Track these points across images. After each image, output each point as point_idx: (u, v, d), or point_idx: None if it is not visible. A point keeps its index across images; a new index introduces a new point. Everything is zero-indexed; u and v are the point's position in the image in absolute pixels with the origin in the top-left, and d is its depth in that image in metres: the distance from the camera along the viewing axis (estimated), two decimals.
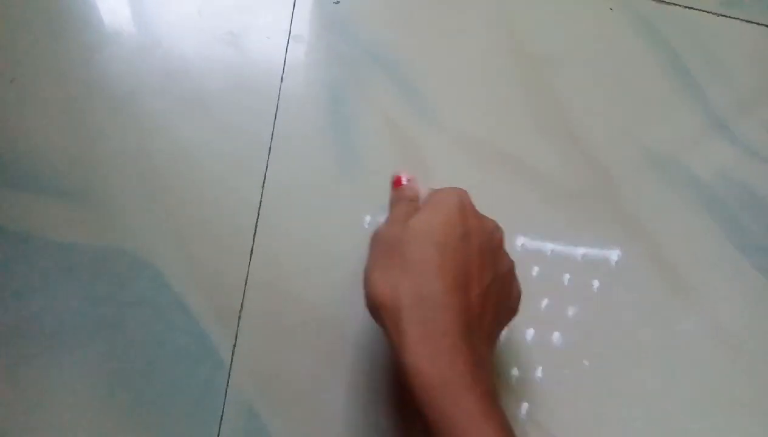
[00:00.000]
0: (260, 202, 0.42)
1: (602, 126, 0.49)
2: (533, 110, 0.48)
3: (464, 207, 0.33)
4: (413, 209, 0.35)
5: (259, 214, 0.42)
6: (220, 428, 0.38)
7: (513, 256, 0.44)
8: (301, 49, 0.47)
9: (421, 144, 0.46)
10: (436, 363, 0.28)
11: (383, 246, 0.33)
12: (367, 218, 0.43)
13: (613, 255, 0.45)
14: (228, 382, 0.39)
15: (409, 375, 0.28)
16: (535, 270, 0.44)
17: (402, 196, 0.38)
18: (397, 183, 0.39)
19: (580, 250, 0.45)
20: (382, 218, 0.43)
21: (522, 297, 0.43)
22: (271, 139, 0.44)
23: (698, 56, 0.51)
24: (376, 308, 0.31)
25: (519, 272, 0.44)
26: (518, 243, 0.45)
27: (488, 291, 0.32)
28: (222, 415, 0.38)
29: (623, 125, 0.49)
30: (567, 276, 0.45)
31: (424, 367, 0.28)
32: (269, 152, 0.44)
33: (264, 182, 0.43)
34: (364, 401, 0.40)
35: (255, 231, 0.42)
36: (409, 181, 0.39)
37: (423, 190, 0.38)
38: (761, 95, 0.52)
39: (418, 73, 0.47)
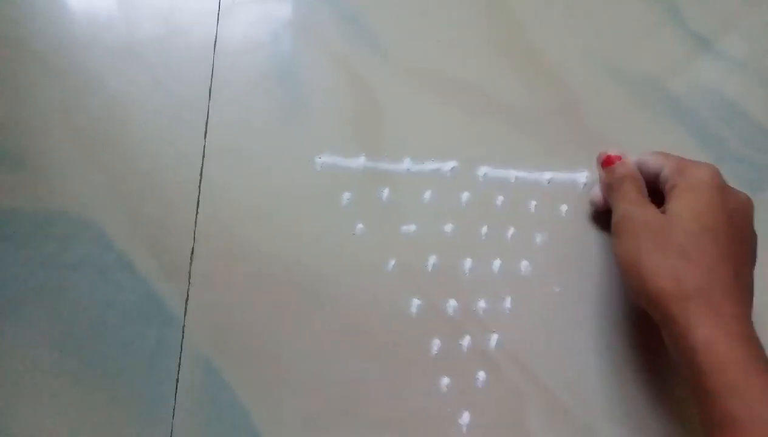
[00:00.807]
0: (203, 151, 0.40)
1: (566, 47, 0.46)
2: (490, 34, 0.46)
3: (721, 187, 0.34)
4: (643, 188, 0.36)
5: (203, 164, 0.40)
6: (177, 384, 0.37)
7: (475, 187, 0.43)
8: None
9: (371, 78, 0.43)
10: (733, 347, 0.30)
11: (646, 231, 0.33)
12: (318, 159, 0.41)
13: (581, 177, 0.43)
14: (182, 338, 0.37)
15: (706, 359, 0.30)
16: (500, 199, 0.42)
17: (623, 175, 0.37)
18: (607, 161, 0.39)
19: (546, 175, 0.43)
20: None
21: (488, 227, 0.42)
22: (210, 85, 0.42)
23: None
24: (655, 296, 0.32)
25: (482, 204, 0.42)
26: (480, 173, 0.43)
27: (751, 270, 0.34)
28: (178, 371, 0.37)
29: (589, 45, 0.46)
30: (533, 203, 0.43)
31: (721, 350, 0.29)
32: (209, 99, 0.41)
33: (206, 131, 0.41)
34: (326, 348, 0.38)
35: (200, 182, 0.40)
36: (620, 156, 0.38)
37: (644, 159, 0.38)
38: (740, 10, 0.49)
39: (363, 4, 0.45)
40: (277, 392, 0.37)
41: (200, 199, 0.39)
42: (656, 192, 0.37)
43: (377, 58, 0.44)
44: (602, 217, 0.41)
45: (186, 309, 0.38)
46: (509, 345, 0.39)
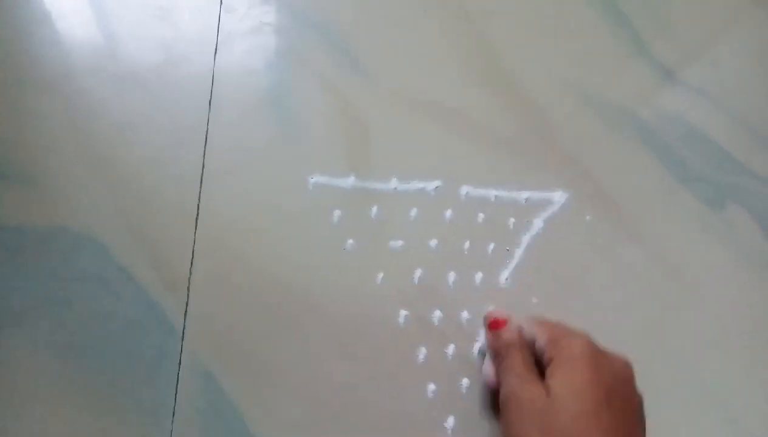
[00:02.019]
0: (202, 171, 0.43)
1: (540, 74, 0.49)
2: (470, 62, 0.49)
3: (596, 360, 0.34)
4: (530, 359, 0.36)
5: (201, 184, 0.43)
6: (176, 393, 0.38)
7: (457, 205, 0.46)
8: (234, 19, 0.47)
9: (358, 103, 0.46)
10: None
11: (528, 416, 0.32)
12: (310, 179, 0.44)
13: (556, 196, 0.46)
14: (182, 348, 0.39)
15: None
16: (480, 216, 0.45)
17: (509, 344, 0.37)
18: (494, 325, 0.39)
19: (524, 194, 0.46)
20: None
21: (470, 243, 0.45)
22: (209, 109, 0.44)
23: (639, 6, 0.52)
24: None
25: (464, 221, 0.45)
26: (462, 192, 0.46)
27: (641, 429, 0.34)
28: (178, 381, 0.39)
29: (561, 72, 0.50)
30: (512, 220, 0.46)
31: None
32: (208, 123, 0.44)
33: (204, 152, 0.43)
34: (319, 357, 0.40)
35: (199, 200, 0.42)
36: (507, 321, 0.38)
37: (525, 325, 0.38)
38: (707, 37, 0.53)
39: (351, 34, 0.48)
40: (272, 399, 0.39)
41: (199, 216, 0.42)
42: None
43: (365, 85, 0.47)
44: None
45: (185, 320, 0.39)
46: None
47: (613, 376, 0.34)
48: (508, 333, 0.37)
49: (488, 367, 0.38)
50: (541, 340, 0.36)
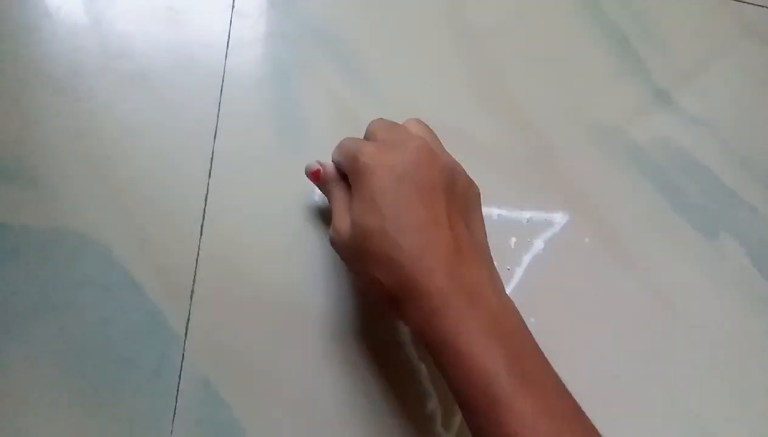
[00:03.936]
0: (209, 177, 0.42)
1: (543, 97, 0.50)
2: (475, 82, 0.49)
3: (381, 178, 0.32)
4: (346, 191, 0.35)
5: (208, 190, 0.42)
6: (176, 402, 0.38)
7: None
8: (245, 24, 0.47)
9: (365, 119, 0.46)
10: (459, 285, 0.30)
11: (346, 253, 0.34)
12: (317, 190, 0.44)
13: (557, 218, 0.47)
14: (183, 357, 0.39)
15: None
16: None
17: (327, 181, 0.37)
18: (314, 177, 0.38)
19: (526, 214, 0.47)
20: None
21: None
22: (218, 115, 0.44)
23: (637, 27, 0.53)
24: (381, 297, 0.32)
25: None
26: None
27: (449, 201, 0.33)
28: (178, 389, 0.38)
29: (563, 96, 0.51)
30: (513, 239, 0.46)
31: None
32: (216, 128, 0.44)
33: (212, 158, 0.43)
34: (320, 369, 0.40)
35: (205, 206, 0.42)
36: (321, 165, 0.38)
37: (335, 154, 0.38)
38: (701, 65, 0.54)
39: (361, 49, 0.48)
40: (273, 411, 0.39)
41: (204, 223, 0.41)
42: None
43: (372, 101, 0.47)
44: None
45: (187, 328, 0.39)
46: None
47: (399, 174, 0.32)
48: (326, 174, 0.38)
49: None
50: (343, 165, 0.36)
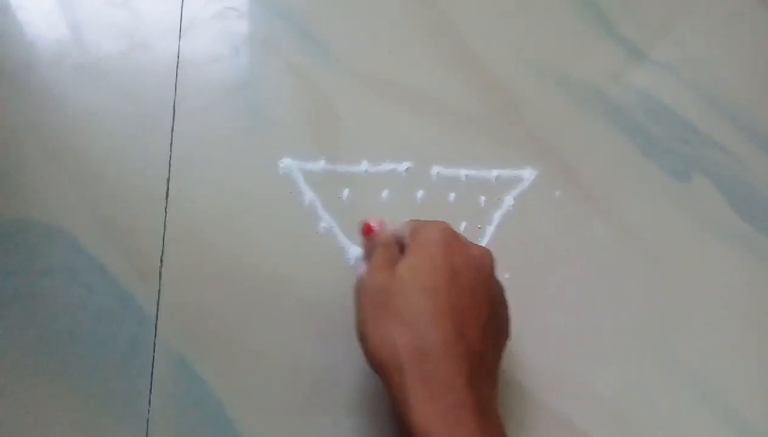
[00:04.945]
0: (170, 158, 0.43)
1: (507, 54, 0.50)
2: (437, 44, 0.49)
3: (448, 243, 0.32)
4: (394, 254, 0.34)
5: (170, 171, 0.42)
6: (152, 382, 0.38)
7: (429, 185, 0.46)
8: (197, 5, 0.46)
9: (326, 88, 0.46)
10: (444, 421, 0.28)
11: (371, 299, 0.31)
12: (281, 163, 0.44)
13: (526, 173, 0.47)
14: (155, 336, 0.39)
15: (417, 435, 0.28)
16: (452, 195, 0.46)
17: (376, 242, 0.36)
18: (367, 230, 0.37)
19: (494, 173, 0.47)
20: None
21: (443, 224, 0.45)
22: (175, 96, 0.44)
23: None
24: (376, 366, 0.30)
25: (436, 200, 0.45)
26: (433, 173, 0.46)
27: (486, 327, 0.31)
28: (152, 369, 0.38)
29: (528, 51, 0.50)
30: (483, 198, 0.46)
31: (432, 427, 0.28)
32: (174, 110, 0.44)
33: (171, 140, 0.43)
34: (294, 340, 0.40)
35: (167, 187, 0.42)
36: (379, 225, 0.37)
37: (399, 226, 0.37)
38: (671, 20, 0.53)
39: (316, 18, 0.48)
40: (249, 384, 0.39)
41: (168, 204, 0.41)
42: None
43: (332, 68, 0.47)
44: None
45: (158, 308, 0.39)
46: None
47: (465, 259, 0.32)
48: (379, 235, 0.36)
49: (359, 268, 0.36)
50: (404, 234, 0.35)
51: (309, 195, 0.44)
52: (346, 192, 0.44)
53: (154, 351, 0.39)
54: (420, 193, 0.45)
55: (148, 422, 0.37)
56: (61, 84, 0.43)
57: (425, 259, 0.31)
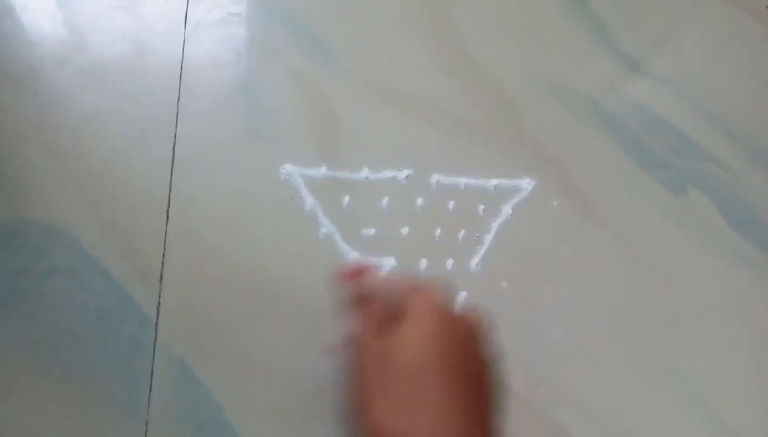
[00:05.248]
0: (173, 161, 0.43)
1: (508, 64, 0.50)
2: (439, 52, 0.50)
3: (443, 313, 0.32)
4: (385, 315, 0.33)
5: (172, 175, 0.43)
6: (151, 384, 0.38)
7: (428, 193, 0.46)
8: (202, 9, 0.47)
9: (329, 93, 0.47)
10: None
11: (375, 373, 0.31)
12: (282, 169, 0.44)
13: (524, 183, 0.48)
14: (155, 338, 0.39)
15: None
16: (451, 204, 0.46)
17: (371, 289, 0.35)
18: (354, 275, 0.36)
19: (492, 182, 0.47)
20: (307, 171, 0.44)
21: (441, 230, 0.45)
22: (178, 101, 0.44)
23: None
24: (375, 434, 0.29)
25: (435, 209, 0.46)
26: (433, 181, 0.46)
27: (492, 394, 0.32)
28: (152, 371, 0.39)
29: (529, 62, 0.51)
30: (481, 206, 0.46)
31: None
32: (177, 113, 0.44)
33: (174, 143, 0.43)
34: (293, 344, 0.41)
35: (170, 190, 0.42)
36: (367, 270, 0.36)
37: (383, 283, 0.36)
38: (667, 29, 0.54)
39: (319, 23, 0.48)
40: (248, 387, 0.39)
41: (170, 207, 0.42)
42: None
43: (335, 74, 0.47)
44: None
45: (158, 310, 0.40)
46: None
47: (465, 332, 0.32)
48: (371, 281, 0.35)
49: (349, 326, 0.35)
50: (396, 292, 0.34)
51: (310, 201, 0.44)
52: (346, 199, 0.45)
53: (154, 353, 0.39)
54: (420, 201, 0.46)
55: (147, 424, 0.38)
56: (65, 86, 0.43)
57: (427, 333, 0.31)
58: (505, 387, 0.33)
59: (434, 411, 0.29)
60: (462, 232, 0.45)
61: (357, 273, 0.37)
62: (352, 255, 0.43)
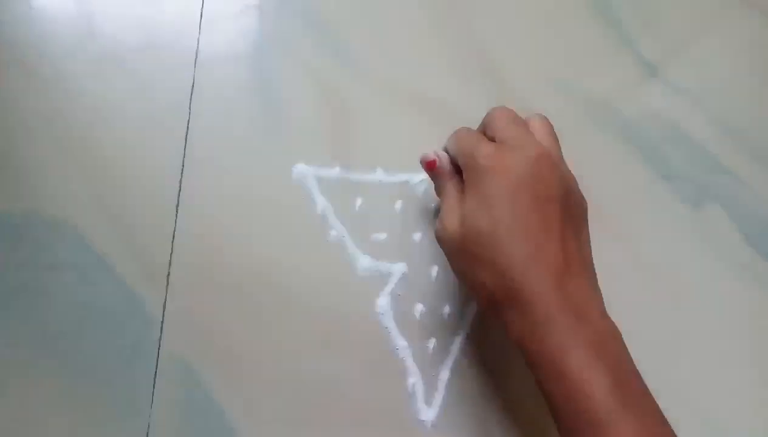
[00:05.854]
0: (183, 158, 0.42)
1: (527, 68, 0.49)
2: (456, 53, 0.49)
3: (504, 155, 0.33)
4: (461, 188, 0.34)
5: (183, 170, 0.42)
6: (154, 385, 0.38)
7: None
8: (218, 2, 0.46)
9: (344, 92, 0.46)
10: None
11: (449, 248, 0.33)
12: (295, 168, 0.43)
13: None
14: (160, 339, 0.38)
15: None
16: None
17: (440, 178, 0.36)
18: (430, 166, 0.37)
19: None
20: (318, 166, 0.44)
21: None
22: (191, 94, 0.43)
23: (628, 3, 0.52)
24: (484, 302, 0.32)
25: None
26: None
27: (563, 229, 0.32)
28: (156, 372, 0.38)
29: (547, 67, 0.50)
30: None
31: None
32: (190, 108, 0.43)
33: (186, 138, 0.42)
34: (299, 349, 0.40)
35: (180, 187, 0.41)
36: (438, 157, 0.37)
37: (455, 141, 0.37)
38: (689, 38, 0.53)
39: (338, 21, 0.47)
40: (251, 392, 0.39)
41: (179, 205, 0.41)
42: None
43: (351, 74, 0.46)
44: None
45: (164, 311, 0.39)
46: (470, 347, 0.42)
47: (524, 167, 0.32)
48: (440, 168, 0.37)
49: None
50: (459, 158, 0.35)
51: (321, 201, 0.43)
52: (359, 201, 0.44)
53: (158, 354, 0.38)
54: (433, 206, 0.45)
55: (149, 426, 0.37)
56: (76, 75, 0.42)
57: (481, 202, 0.31)
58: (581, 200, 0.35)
59: (511, 215, 0.30)
60: None
61: (433, 163, 0.37)
62: (362, 259, 0.42)
